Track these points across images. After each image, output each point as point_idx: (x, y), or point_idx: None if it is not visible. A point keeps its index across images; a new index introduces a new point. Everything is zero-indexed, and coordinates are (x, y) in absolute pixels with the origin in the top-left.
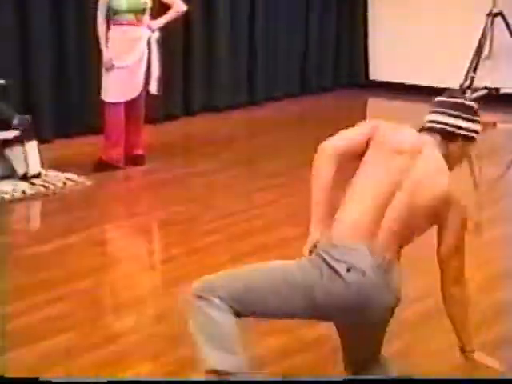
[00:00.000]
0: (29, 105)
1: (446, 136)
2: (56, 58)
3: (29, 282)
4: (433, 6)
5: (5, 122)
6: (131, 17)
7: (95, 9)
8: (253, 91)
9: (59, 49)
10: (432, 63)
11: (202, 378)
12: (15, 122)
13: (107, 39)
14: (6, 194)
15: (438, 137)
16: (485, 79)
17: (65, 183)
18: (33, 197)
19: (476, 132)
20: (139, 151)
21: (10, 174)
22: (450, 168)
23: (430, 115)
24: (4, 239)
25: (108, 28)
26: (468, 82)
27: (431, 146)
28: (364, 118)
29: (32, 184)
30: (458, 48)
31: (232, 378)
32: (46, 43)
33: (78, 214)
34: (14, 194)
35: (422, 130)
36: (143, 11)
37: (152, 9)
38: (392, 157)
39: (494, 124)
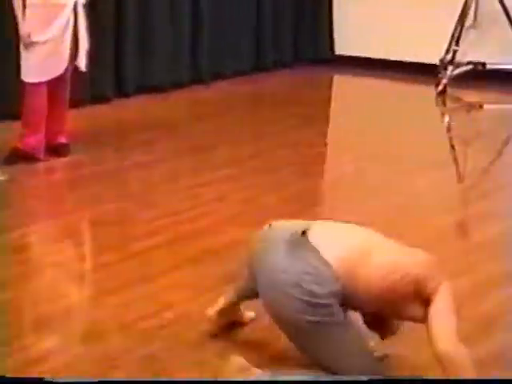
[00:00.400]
0: None
1: None
2: None
3: None
4: None
5: None
6: None
7: None
8: (197, 68)
9: None
10: (407, 35)
11: None
12: None
13: (24, 8)
14: None
15: None
16: (469, 53)
17: None
18: None
19: None
20: (63, 140)
21: None
22: None
23: None
24: None
25: None
26: (450, 56)
27: None
28: (329, 97)
29: None
30: (437, 17)
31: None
32: None
33: None
34: None
35: None
36: None
37: None
38: None
39: (481, 105)
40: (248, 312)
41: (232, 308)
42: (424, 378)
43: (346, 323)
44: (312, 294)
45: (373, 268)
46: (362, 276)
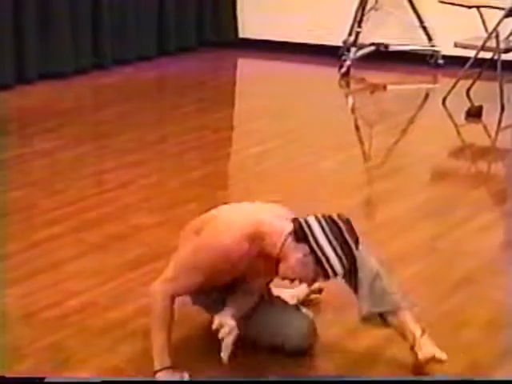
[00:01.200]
0: None
1: None
2: None
3: None
4: None
5: None
6: None
7: None
8: (99, 54)
9: None
10: (310, 17)
11: None
12: None
13: None
14: None
15: None
16: (372, 34)
17: None
18: None
19: None
20: None
21: None
22: None
23: None
24: None
25: None
26: (353, 38)
27: None
28: (234, 80)
29: None
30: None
31: None
32: None
33: None
34: None
35: None
36: None
37: None
38: None
39: (384, 86)
40: None
41: None
42: (424, 378)
43: None
44: None
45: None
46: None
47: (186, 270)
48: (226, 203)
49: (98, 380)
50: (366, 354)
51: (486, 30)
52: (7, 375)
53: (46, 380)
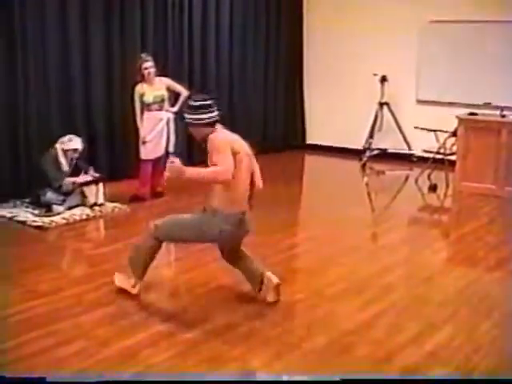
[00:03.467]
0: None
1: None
2: (108, 128)
3: (91, 272)
4: (344, 97)
5: (83, 171)
6: (156, 105)
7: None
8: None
9: (112, 124)
10: (345, 131)
11: None
12: (91, 171)
13: (142, 122)
14: (76, 215)
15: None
16: (378, 143)
17: (113, 209)
18: (93, 218)
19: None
20: (159, 189)
21: (81, 203)
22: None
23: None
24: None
25: (142, 114)
26: (367, 145)
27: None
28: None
29: (92, 210)
30: (360, 123)
31: None
32: (102, 114)
33: (121, 229)
34: (82, 216)
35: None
36: (163, 101)
37: (169, 98)
38: None
39: (384, 172)
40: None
41: None
42: (424, 378)
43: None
44: None
45: None
46: None
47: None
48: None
49: (98, 380)
50: None
51: (439, 142)
52: (7, 375)
53: (45, 380)
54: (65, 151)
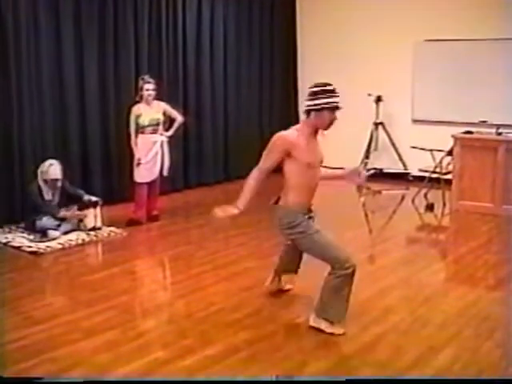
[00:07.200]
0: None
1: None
2: (105, 154)
3: (87, 297)
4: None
5: (79, 198)
6: (150, 129)
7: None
8: (227, 170)
9: (107, 147)
10: (341, 152)
11: None
12: (86, 197)
13: (136, 144)
14: (72, 240)
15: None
16: (374, 163)
17: (109, 234)
18: (89, 242)
19: (315, 105)
20: (155, 212)
21: (77, 228)
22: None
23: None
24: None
25: (136, 136)
26: (363, 164)
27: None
28: None
29: (88, 234)
30: (356, 143)
31: None
32: (97, 138)
33: (117, 253)
34: (78, 241)
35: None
36: (158, 124)
37: (164, 122)
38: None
39: (380, 191)
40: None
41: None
42: (424, 378)
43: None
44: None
45: None
46: None
47: (265, 155)
48: None
49: (98, 380)
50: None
51: (435, 161)
52: (6, 375)
53: (44, 380)
54: (46, 181)
